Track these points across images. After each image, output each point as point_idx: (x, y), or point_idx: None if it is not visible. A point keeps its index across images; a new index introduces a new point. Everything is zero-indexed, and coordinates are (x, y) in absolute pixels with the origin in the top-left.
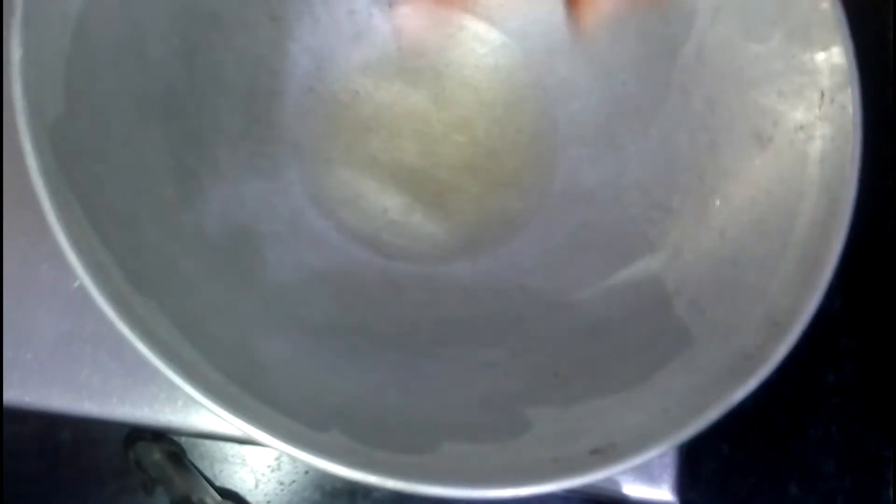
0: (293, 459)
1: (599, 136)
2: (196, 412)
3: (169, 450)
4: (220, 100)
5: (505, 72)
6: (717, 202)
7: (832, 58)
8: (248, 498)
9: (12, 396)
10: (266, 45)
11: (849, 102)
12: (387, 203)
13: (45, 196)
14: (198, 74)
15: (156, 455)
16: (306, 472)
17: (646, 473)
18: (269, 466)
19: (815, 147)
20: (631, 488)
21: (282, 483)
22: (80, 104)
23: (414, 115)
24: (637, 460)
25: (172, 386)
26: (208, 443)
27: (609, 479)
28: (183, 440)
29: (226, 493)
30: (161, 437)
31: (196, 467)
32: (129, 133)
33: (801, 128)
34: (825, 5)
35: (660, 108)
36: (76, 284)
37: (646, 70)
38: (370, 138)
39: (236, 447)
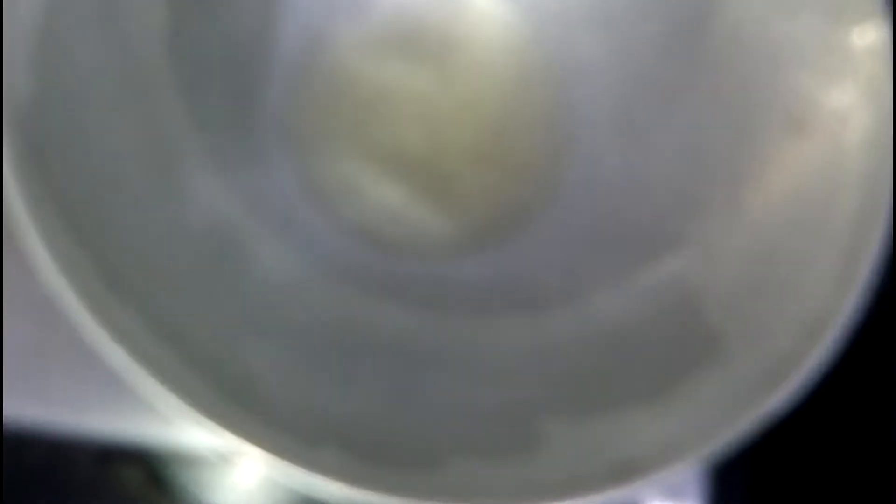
0: (286, 475)
1: (619, 120)
2: (179, 426)
3: (149, 467)
4: (205, 82)
5: (516, 50)
6: (748, 193)
7: (870, 39)
8: None
9: None
10: (255, 21)
11: (889, 87)
12: (388, 195)
13: (14, 189)
14: (182, 55)
15: (135, 472)
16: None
17: (671, 490)
18: (258, 482)
19: (853, 132)
20: None
21: (273, 500)
22: (54, 87)
23: (417, 98)
24: (661, 477)
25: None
26: (192, 458)
27: (630, 497)
28: (164, 455)
29: None
30: (141, 452)
31: (178, 484)
32: (107, 119)
33: (837, 112)
34: None
35: (685, 92)
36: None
37: (670, 51)
38: (369, 124)
39: (223, 462)
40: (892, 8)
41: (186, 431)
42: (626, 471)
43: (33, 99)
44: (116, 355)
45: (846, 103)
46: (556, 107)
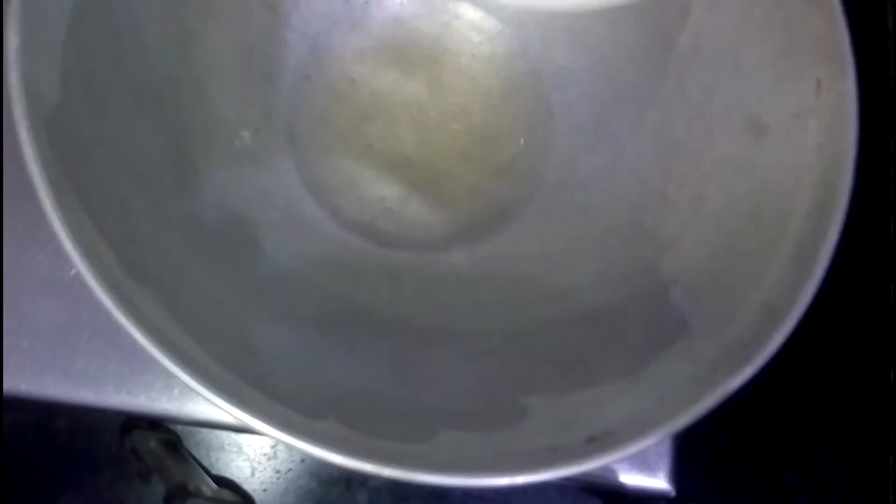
0: (289, 448)
1: (595, 124)
2: (192, 400)
3: (165, 438)
4: (215, 87)
5: (501, 60)
6: (714, 191)
7: (828, 45)
8: (245, 486)
9: (8, 385)
10: (262, 33)
11: (845, 90)
12: (383, 191)
13: (41, 184)
14: (194, 62)
15: (152, 443)
16: (302, 461)
17: (642, 462)
18: (265, 455)
19: (812, 135)
20: (627, 477)
21: (278, 471)
22: (77, 92)
23: (410, 103)
24: (633, 448)
25: (168, 374)
26: (204, 431)
27: (605, 468)
28: (179, 429)
29: (222, 482)
30: (157, 425)
31: (192, 456)
32: (125, 121)
33: (798, 116)
34: None
35: (656, 96)
36: (72, 273)
37: (642, 58)
38: (366, 126)
39: (232, 435)
40: (850, 17)
41: (199, 407)
42: (601, 443)
43: (58, 103)
44: (134, 336)
45: (806, 108)
46: (537, 112)
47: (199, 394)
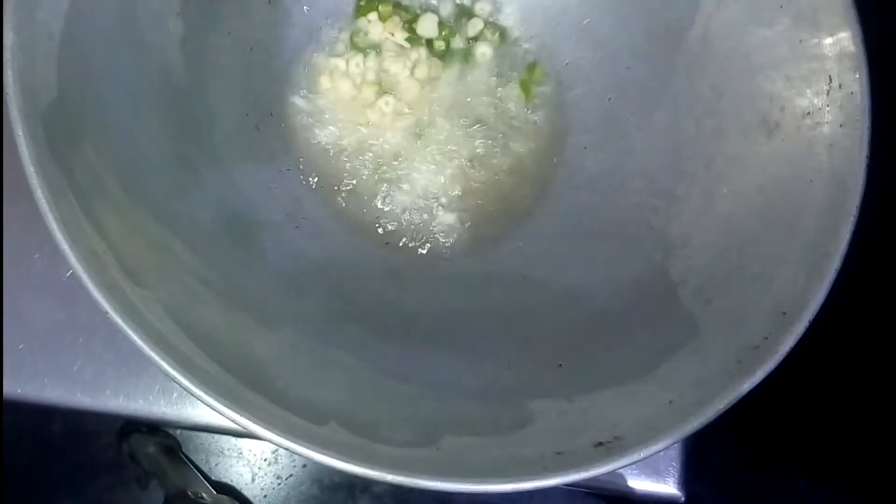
0: (291, 453)
1: (604, 121)
2: (191, 404)
3: (164, 443)
4: (216, 84)
5: (507, 56)
6: (724, 190)
7: (840, 43)
8: (245, 492)
9: (5, 388)
10: (263, 29)
11: (857, 88)
12: (388, 191)
13: (37, 183)
14: (194, 58)
15: (150, 448)
16: (304, 466)
17: (651, 467)
18: (265, 460)
19: (823, 133)
20: (636, 482)
21: (279, 477)
22: (74, 89)
23: (416, 101)
24: (642, 454)
25: (167, 377)
26: (204, 435)
27: (614, 473)
28: (178, 433)
29: (222, 488)
30: (155, 429)
31: (191, 461)
32: (124, 118)
33: (809, 114)
34: None
35: (665, 94)
36: (69, 273)
37: (651, 54)
38: (369, 125)
39: (233, 440)
40: (861, 14)
41: (198, 411)
42: (609, 448)
43: (55, 101)
44: (132, 339)
45: (817, 106)
46: (545, 109)
47: (198, 398)
